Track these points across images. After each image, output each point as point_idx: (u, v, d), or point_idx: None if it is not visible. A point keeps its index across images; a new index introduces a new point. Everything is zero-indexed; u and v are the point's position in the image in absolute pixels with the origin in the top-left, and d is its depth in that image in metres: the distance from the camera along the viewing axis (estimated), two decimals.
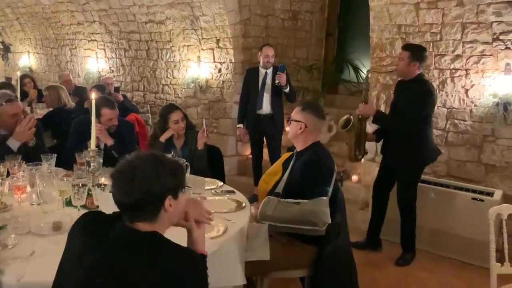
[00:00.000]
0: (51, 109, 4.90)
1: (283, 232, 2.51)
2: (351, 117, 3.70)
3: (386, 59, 4.39)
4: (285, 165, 2.78)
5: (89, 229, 1.48)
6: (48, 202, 2.36)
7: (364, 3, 4.52)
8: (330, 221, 2.36)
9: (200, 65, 6.01)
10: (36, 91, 6.22)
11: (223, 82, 5.85)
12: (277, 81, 4.63)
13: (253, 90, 4.88)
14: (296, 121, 2.64)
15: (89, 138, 3.33)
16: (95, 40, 7.47)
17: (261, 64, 4.83)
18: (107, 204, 2.26)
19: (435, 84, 4.04)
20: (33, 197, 2.42)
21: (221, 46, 5.74)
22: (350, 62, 6.05)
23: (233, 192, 2.89)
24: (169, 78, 6.56)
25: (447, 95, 4.10)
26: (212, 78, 5.95)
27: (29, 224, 2.09)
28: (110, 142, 3.30)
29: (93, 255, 1.36)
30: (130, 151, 3.21)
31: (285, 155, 3.76)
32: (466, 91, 3.99)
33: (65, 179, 2.31)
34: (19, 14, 8.66)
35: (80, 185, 2.19)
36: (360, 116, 3.69)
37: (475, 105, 3.95)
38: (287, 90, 4.74)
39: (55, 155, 2.86)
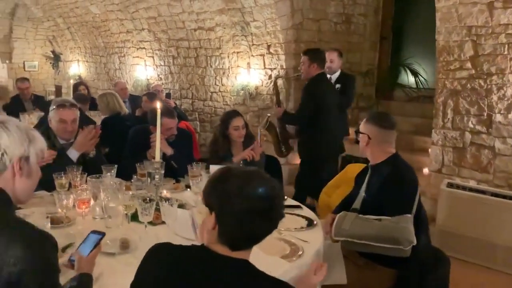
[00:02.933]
0: (103, 116, 4.88)
1: (359, 253, 2.30)
2: (269, 117, 4.34)
3: (454, 63, 4.09)
4: (359, 179, 2.56)
5: (171, 261, 1.32)
6: (112, 216, 2.25)
7: (421, 4, 4.25)
8: (415, 241, 2.13)
9: (249, 72, 5.88)
10: (89, 99, 6.27)
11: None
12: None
13: None
14: (361, 133, 2.44)
15: (146, 147, 3.26)
16: (144, 48, 7.50)
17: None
18: (175, 221, 2.13)
19: (510, 89, 3.73)
20: (96, 210, 2.32)
21: (272, 52, 5.59)
22: (407, 66, 5.74)
23: (299, 207, 2.69)
24: (217, 85, 6.47)
25: None
26: (262, 85, 5.80)
27: None
28: (170, 151, 3.18)
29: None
30: (190, 161, 3.14)
31: (350, 167, 3.57)
32: None
33: (130, 193, 2.19)
34: (70, 24, 8.86)
35: (148, 200, 2.06)
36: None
37: None
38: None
39: (116, 166, 2.76)
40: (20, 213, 2.37)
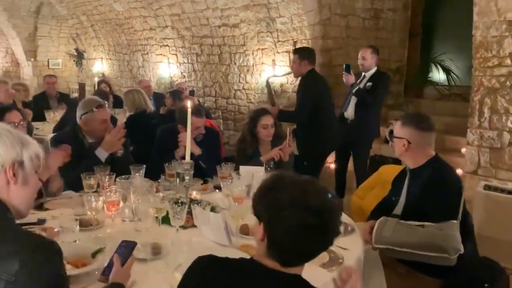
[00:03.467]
0: (128, 114, 4.82)
1: (400, 260, 2.17)
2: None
3: (492, 59, 3.89)
4: (397, 183, 2.43)
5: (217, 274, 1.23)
6: (142, 219, 2.17)
7: None
8: (462, 249, 1.99)
9: (274, 69, 5.77)
10: (112, 96, 6.24)
11: None
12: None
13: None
14: (397, 137, 2.28)
15: (174, 147, 3.18)
16: (167, 45, 7.45)
17: None
18: (208, 225, 2.04)
19: None
20: (125, 213, 2.24)
21: None
22: (439, 63, 5.54)
23: None
24: (241, 83, 6.38)
25: None
26: (288, 82, 5.68)
27: None
28: (198, 151, 3.09)
29: None
30: (218, 161, 3.05)
31: (384, 169, 3.42)
32: None
33: (161, 195, 2.11)
34: (94, 21, 8.88)
35: (180, 203, 1.97)
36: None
37: None
38: (354, 90, 4.36)
39: (144, 166, 2.68)
40: (48, 214, 2.33)
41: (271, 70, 5.78)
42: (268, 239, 1.19)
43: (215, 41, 6.57)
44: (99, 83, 5.90)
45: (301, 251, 1.18)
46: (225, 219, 1.97)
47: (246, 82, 6.27)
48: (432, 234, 2.02)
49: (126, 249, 1.50)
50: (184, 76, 7.28)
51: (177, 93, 5.39)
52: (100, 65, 9.49)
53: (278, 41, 5.61)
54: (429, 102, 5.73)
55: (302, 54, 4.15)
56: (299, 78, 4.32)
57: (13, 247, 1.11)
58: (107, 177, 2.44)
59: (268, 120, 3.20)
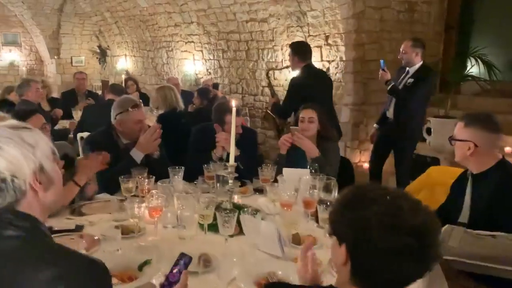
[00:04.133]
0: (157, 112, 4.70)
1: (467, 273, 1.98)
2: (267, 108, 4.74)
3: None
4: (456, 187, 2.24)
5: None
6: (186, 226, 2.04)
7: None
8: None
9: None
10: (138, 94, 6.16)
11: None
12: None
13: None
14: (461, 140, 2.08)
15: (210, 147, 3.04)
16: (192, 41, 7.33)
17: None
18: (259, 234, 1.89)
19: None
20: (167, 218, 2.11)
21: (330, 43, 5.27)
22: (480, 57, 5.26)
23: None
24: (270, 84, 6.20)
25: None
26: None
27: (173, 256, 1.76)
28: (236, 152, 2.93)
29: None
30: (256, 162, 2.90)
31: (433, 171, 3.22)
32: None
33: (206, 199, 1.97)
34: (118, 18, 8.82)
35: (229, 211, 1.82)
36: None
37: None
38: (388, 88, 4.13)
39: (183, 168, 2.55)
40: (86, 219, 2.22)
41: None
42: (353, 264, 1.04)
43: (242, 36, 6.41)
44: (126, 80, 5.82)
45: (392, 278, 1.02)
46: (278, 229, 1.82)
47: (275, 79, 6.10)
48: (505, 245, 1.83)
49: (185, 263, 1.36)
50: (210, 73, 7.15)
51: (205, 91, 5.28)
52: (124, 62, 9.44)
53: (309, 35, 5.42)
54: (467, 98, 5.47)
55: (294, 50, 4.14)
56: None
57: (56, 271, 0.98)
58: (146, 180, 2.31)
59: (307, 114, 2.98)
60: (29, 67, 12.14)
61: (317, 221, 2.13)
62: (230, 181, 2.20)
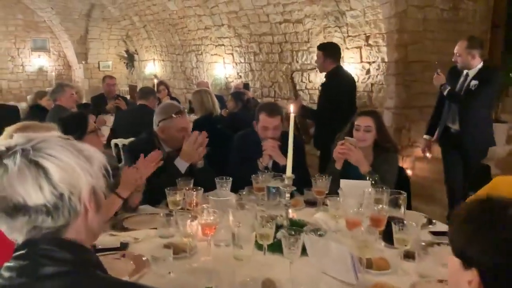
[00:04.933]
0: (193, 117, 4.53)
1: None
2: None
3: None
4: None
5: None
6: (243, 246, 1.83)
7: None
8: None
9: (343, 67, 5.34)
10: (169, 98, 6.02)
11: (372, 85, 5.13)
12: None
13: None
14: None
15: (254, 155, 2.84)
16: (223, 44, 7.17)
17: None
18: (327, 257, 1.67)
19: None
20: (220, 233, 1.91)
21: (371, 44, 5.03)
22: None
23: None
24: (304, 82, 5.99)
25: None
26: (358, 81, 5.25)
27: (234, 281, 1.57)
28: (283, 161, 2.71)
29: None
30: (305, 171, 2.68)
31: (500, 182, 2.93)
32: None
33: (264, 215, 1.76)
34: (146, 22, 8.75)
35: (293, 232, 1.61)
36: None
37: None
38: (445, 93, 3.80)
39: (231, 179, 2.36)
40: (131, 235, 2.03)
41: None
42: None
43: (275, 38, 6.21)
44: (158, 85, 5.69)
45: None
46: (352, 253, 1.59)
47: (310, 82, 5.88)
48: None
49: None
50: (241, 77, 6.98)
51: (240, 95, 5.09)
52: (152, 67, 9.36)
53: (348, 36, 5.19)
54: None
55: (327, 51, 4.14)
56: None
57: None
58: (194, 192, 2.12)
59: (362, 121, 2.73)
60: (57, 72, 12.24)
61: (386, 241, 1.90)
62: (287, 194, 2.00)
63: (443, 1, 5.16)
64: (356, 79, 5.26)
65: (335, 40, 5.37)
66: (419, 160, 5.12)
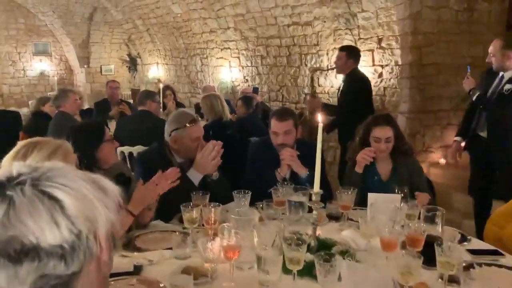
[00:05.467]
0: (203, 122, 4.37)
1: None
2: (304, 111, 4.57)
3: None
4: None
5: None
6: (270, 271, 1.66)
7: None
8: None
9: None
10: (175, 103, 5.86)
11: (385, 88, 4.96)
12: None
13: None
14: None
15: (270, 165, 2.68)
16: (229, 48, 7.02)
17: None
18: (365, 282, 1.51)
19: None
20: (243, 254, 1.74)
21: (383, 46, 4.87)
22: None
23: (499, 253, 1.96)
24: (313, 86, 5.82)
25: None
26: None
27: None
28: (304, 171, 2.56)
29: None
30: (326, 183, 2.51)
31: None
32: None
33: (294, 236, 1.60)
34: (150, 25, 8.61)
35: (329, 257, 1.44)
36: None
37: None
38: (474, 98, 3.60)
39: (250, 193, 2.20)
40: (145, 257, 1.87)
41: None
42: None
43: (283, 41, 6.06)
44: (164, 89, 5.53)
45: None
46: (394, 279, 1.43)
47: (319, 85, 5.73)
48: None
49: None
50: (247, 80, 6.82)
51: (249, 99, 4.93)
52: (156, 71, 9.21)
53: (359, 38, 5.03)
54: None
55: (350, 53, 4.28)
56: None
57: None
58: (212, 209, 1.96)
59: (382, 133, 2.58)
60: (59, 76, 12.10)
61: (427, 263, 1.73)
62: (315, 212, 1.83)
63: (458, 2, 5.00)
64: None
65: (345, 43, 5.22)
66: (434, 165, 4.96)
